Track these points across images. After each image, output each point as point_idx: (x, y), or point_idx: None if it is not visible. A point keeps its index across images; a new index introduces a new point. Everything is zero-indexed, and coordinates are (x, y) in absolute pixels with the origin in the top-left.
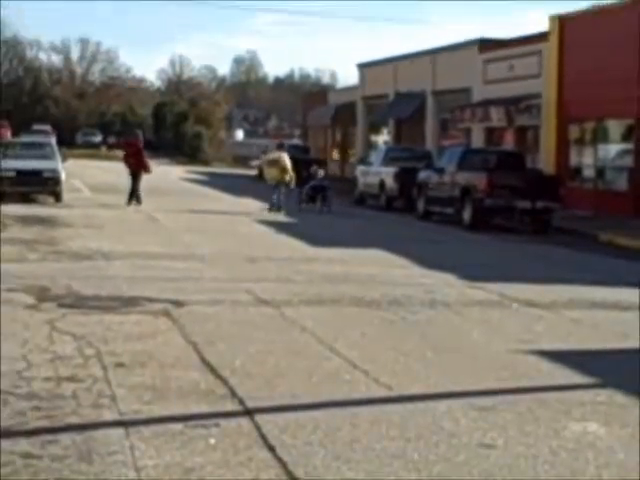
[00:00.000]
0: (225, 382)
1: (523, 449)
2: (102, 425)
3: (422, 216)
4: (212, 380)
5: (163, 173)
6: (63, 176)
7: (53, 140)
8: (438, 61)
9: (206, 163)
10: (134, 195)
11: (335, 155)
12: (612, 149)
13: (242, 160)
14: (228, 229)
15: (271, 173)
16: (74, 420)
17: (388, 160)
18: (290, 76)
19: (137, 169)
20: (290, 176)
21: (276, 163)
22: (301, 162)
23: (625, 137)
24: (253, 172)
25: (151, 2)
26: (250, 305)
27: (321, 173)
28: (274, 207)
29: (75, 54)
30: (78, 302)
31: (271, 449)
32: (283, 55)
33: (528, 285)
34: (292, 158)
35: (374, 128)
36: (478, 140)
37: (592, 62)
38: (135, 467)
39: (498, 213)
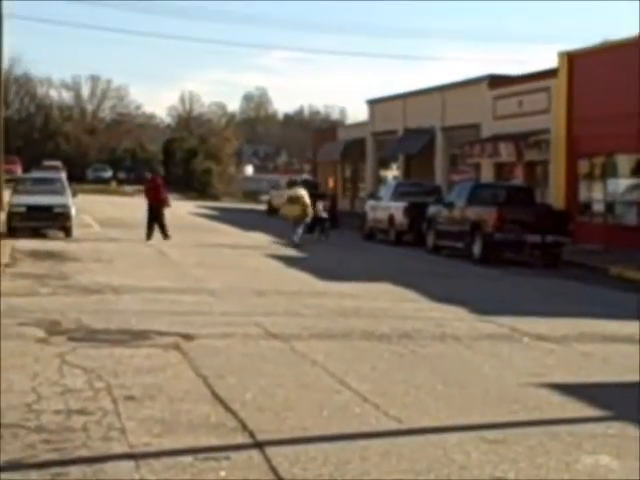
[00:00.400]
0: (235, 415)
1: None
2: (112, 458)
3: (432, 250)
4: (222, 413)
5: (173, 208)
6: (73, 211)
7: (63, 176)
8: (448, 97)
9: (216, 198)
10: (153, 230)
11: (342, 190)
12: (621, 184)
13: (252, 195)
14: (237, 263)
15: (293, 211)
16: (84, 453)
17: (397, 195)
18: (299, 112)
19: (159, 204)
20: (310, 212)
21: (297, 200)
22: (311, 197)
23: (634, 172)
24: (263, 207)
25: (161, 39)
26: (260, 338)
27: (320, 206)
28: (295, 242)
29: (86, 91)
30: (88, 336)
31: None
32: (292, 92)
33: (539, 319)
34: None
35: (383, 163)
36: (487, 175)
37: (601, 98)
38: None
39: (508, 247)
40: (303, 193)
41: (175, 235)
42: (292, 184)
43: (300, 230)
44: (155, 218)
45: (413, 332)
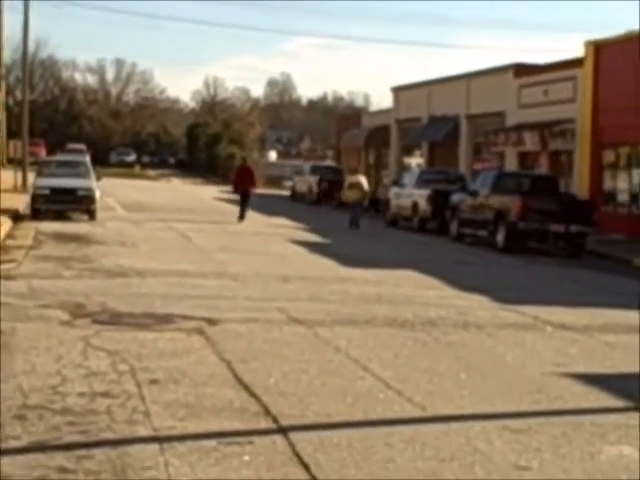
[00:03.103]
0: (259, 400)
1: (558, 472)
2: (136, 441)
3: (455, 238)
4: (246, 398)
5: (196, 193)
6: (97, 194)
7: (87, 159)
8: (473, 85)
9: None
10: (244, 212)
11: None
12: None
13: (275, 181)
14: (261, 248)
15: (353, 195)
16: (109, 435)
17: (421, 182)
18: (323, 98)
19: (247, 189)
20: (367, 197)
21: (357, 186)
22: (334, 183)
23: None
24: (286, 192)
25: (186, 24)
26: (283, 324)
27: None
28: (353, 225)
29: (110, 75)
30: (112, 319)
31: (305, 467)
32: (317, 78)
33: (562, 308)
34: (324, 179)
35: (407, 151)
36: (511, 164)
37: (626, 87)
38: None
39: (532, 236)
40: (362, 179)
41: (199, 220)
42: (356, 172)
43: (353, 215)
44: (244, 201)
45: (436, 319)
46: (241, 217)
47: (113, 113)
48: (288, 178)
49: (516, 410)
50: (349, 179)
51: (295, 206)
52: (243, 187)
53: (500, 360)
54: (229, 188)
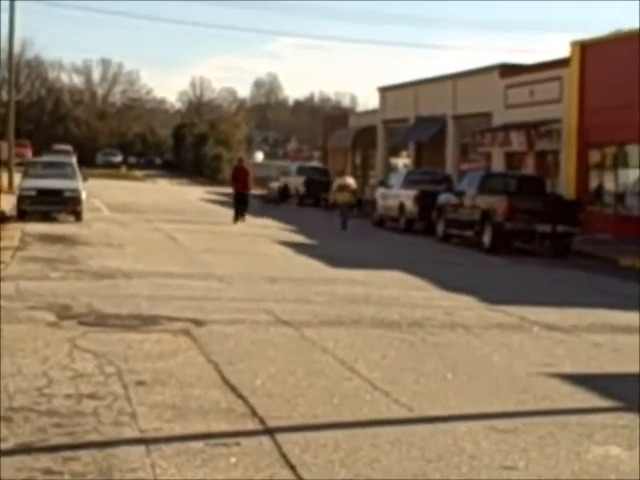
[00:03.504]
0: (245, 401)
1: (545, 472)
2: (123, 442)
3: (442, 239)
4: (233, 399)
5: (183, 194)
6: (84, 195)
7: (74, 160)
8: (459, 85)
9: (225, 184)
10: (240, 213)
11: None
12: (632, 174)
13: (262, 181)
14: (247, 249)
15: (343, 197)
16: (95, 437)
17: (408, 183)
18: (310, 99)
19: (244, 190)
20: (356, 199)
21: (346, 188)
22: (320, 184)
23: None
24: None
25: (172, 24)
26: (270, 325)
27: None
28: (344, 226)
29: (97, 75)
30: (99, 320)
31: (292, 468)
32: (303, 78)
33: (548, 308)
34: (311, 180)
35: (394, 151)
36: (498, 164)
37: (613, 88)
38: None
39: (518, 237)
40: (351, 181)
41: (185, 221)
42: (344, 174)
43: (342, 216)
44: (240, 202)
45: (423, 320)
46: (236, 218)
47: (99, 114)
48: (275, 179)
49: (503, 410)
50: (338, 181)
51: (281, 207)
52: (239, 188)
53: (487, 360)
54: (216, 189)
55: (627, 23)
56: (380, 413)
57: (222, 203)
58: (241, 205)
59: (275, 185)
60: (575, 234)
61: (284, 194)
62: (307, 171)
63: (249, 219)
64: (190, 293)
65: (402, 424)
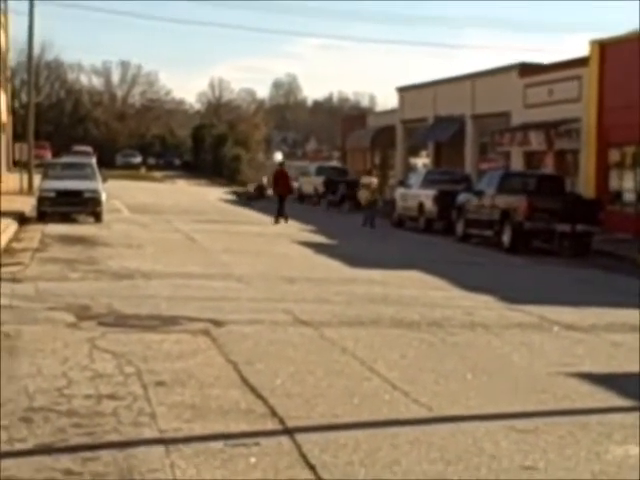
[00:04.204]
0: (265, 401)
1: (565, 472)
2: (143, 443)
3: (461, 238)
4: (252, 399)
5: (202, 194)
6: (103, 196)
7: (93, 161)
8: (478, 85)
9: (244, 185)
10: (281, 214)
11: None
12: None
13: None
14: (266, 249)
15: (366, 195)
16: (115, 437)
17: (427, 183)
18: (329, 99)
19: (284, 192)
20: (379, 197)
21: (369, 187)
22: (340, 184)
23: None
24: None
25: (191, 26)
26: (289, 325)
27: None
28: (368, 224)
29: (116, 77)
30: (118, 321)
31: (312, 468)
32: (322, 78)
33: (568, 308)
34: (330, 180)
35: (413, 151)
36: (517, 164)
37: (632, 87)
38: None
39: (537, 236)
40: (374, 180)
41: (204, 221)
42: (370, 173)
43: (366, 214)
44: (282, 203)
45: (442, 320)
46: (277, 219)
47: (119, 115)
48: (294, 179)
49: (522, 410)
50: (363, 180)
51: (300, 207)
52: (280, 191)
53: (506, 360)
54: (235, 189)
55: None
56: (400, 413)
57: (240, 203)
58: (282, 207)
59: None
60: (595, 233)
61: (300, 196)
62: (326, 171)
63: (268, 219)
64: (209, 293)
65: (422, 424)
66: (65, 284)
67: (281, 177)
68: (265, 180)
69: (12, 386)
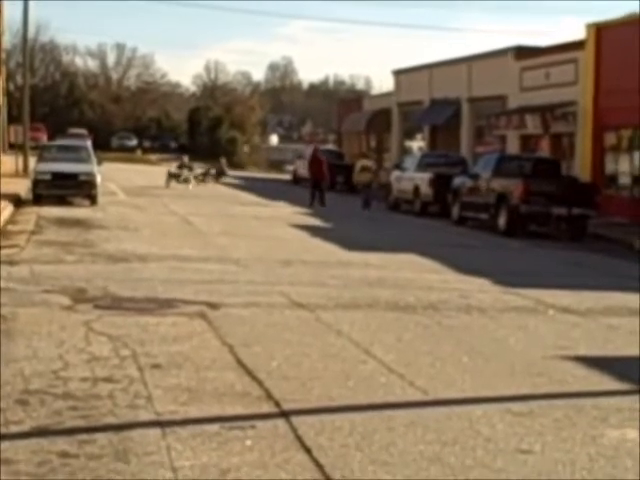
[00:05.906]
0: (261, 384)
1: (560, 455)
2: (139, 425)
3: (457, 222)
4: (248, 382)
5: None
6: (99, 179)
7: (89, 143)
8: (474, 68)
9: (241, 167)
10: (316, 198)
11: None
12: None
13: (277, 165)
14: (263, 232)
15: (364, 178)
16: (111, 420)
17: (423, 166)
18: (324, 82)
19: (318, 177)
20: (377, 179)
21: (368, 169)
22: (335, 167)
23: None
24: (287, 176)
25: (186, 8)
26: (285, 308)
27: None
28: (366, 206)
29: (111, 59)
30: (114, 303)
31: (307, 451)
32: (318, 61)
33: (564, 291)
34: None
35: (409, 134)
36: (513, 147)
37: (628, 70)
38: (172, 467)
39: (534, 219)
40: (372, 164)
41: (200, 204)
42: (365, 156)
43: (364, 196)
44: (316, 187)
45: (438, 303)
46: (311, 203)
47: (114, 98)
48: (289, 162)
49: (518, 393)
50: (360, 162)
51: (296, 190)
52: (315, 175)
53: (502, 343)
54: (231, 172)
55: None
56: (395, 396)
57: (237, 186)
58: (319, 192)
59: (290, 168)
60: (591, 217)
61: (296, 179)
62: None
63: (264, 202)
64: (205, 276)
65: (417, 407)
66: (61, 267)
67: (316, 162)
68: (223, 161)
69: (8, 369)
